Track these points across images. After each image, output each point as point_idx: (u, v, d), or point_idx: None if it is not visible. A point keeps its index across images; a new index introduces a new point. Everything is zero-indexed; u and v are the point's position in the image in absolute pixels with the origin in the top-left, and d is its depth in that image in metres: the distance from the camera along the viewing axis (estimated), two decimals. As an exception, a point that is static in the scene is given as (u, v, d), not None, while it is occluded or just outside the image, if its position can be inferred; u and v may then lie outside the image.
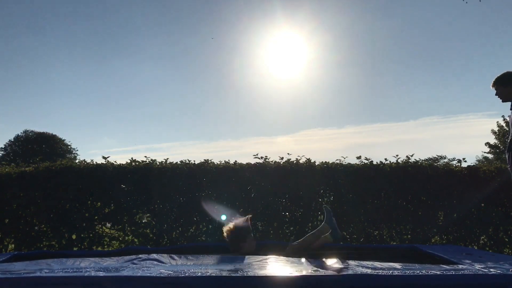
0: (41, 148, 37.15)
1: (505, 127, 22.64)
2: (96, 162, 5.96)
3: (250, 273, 2.80)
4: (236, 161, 6.09)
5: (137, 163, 5.91)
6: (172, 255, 3.61)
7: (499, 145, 22.84)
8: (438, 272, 2.85)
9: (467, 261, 3.36)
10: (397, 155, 6.14)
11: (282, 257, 3.53)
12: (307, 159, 6.07)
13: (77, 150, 41.52)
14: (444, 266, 3.17)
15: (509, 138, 4.16)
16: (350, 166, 6.07)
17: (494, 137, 23.08)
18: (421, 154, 6.33)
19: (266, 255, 3.57)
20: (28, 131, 39.66)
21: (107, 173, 5.77)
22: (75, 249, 5.67)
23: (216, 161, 6.10)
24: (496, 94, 3.99)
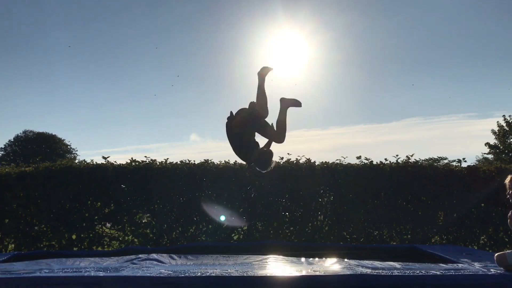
0: (40, 148, 37.09)
1: (505, 127, 22.61)
2: (96, 162, 5.96)
3: (250, 273, 2.80)
4: (236, 161, 6.09)
5: (137, 163, 5.91)
6: (172, 255, 3.62)
7: (499, 145, 22.79)
8: (438, 272, 2.85)
9: (467, 261, 3.37)
10: (397, 155, 6.14)
11: (282, 257, 3.53)
12: (307, 159, 6.07)
13: (77, 150, 41.50)
14: (444, 266, 3.18)
15: None
16: (350, 166, 6.06)
17: (494, 137, 23.03)
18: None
19: (266, 255, 3.58)
20: (27, 131, 39.62)
21: (107, 173, 5.76)
22: (75, 249, 5.67)
23: (216, 161, 6.10)
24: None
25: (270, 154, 3.57)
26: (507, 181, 3.11)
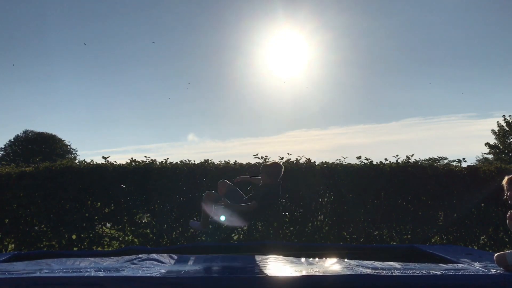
0: (41, 148, 37.09)
1: (505, 127, 22.64)
2: (96, 162, 5.95)
3: (250, 273, 2.80)
4: (236, 161, 6.10)
5: (137, 163, 5.90)
6: (172, 255, 3.62)
7: (499, 145, 22.82)
8: (438, 272, 2.85)
9: (467, 261, 3.37)
10: (397, 155, 6.14)
11: (282, 257, 3.53)
12: (307, 159, 6.07)
13: (77, 151, 41.52)
14: (444, 266, 3.18)
15: None
16: (350, 166, 6.06)
17: (494, 137, 23.06)
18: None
19: (266, 255, 3.58)
20: (28, 131, 39.63)
21: (107, 173, 5.76)
22: (75, 249, 5.67)
23: (216, 161, 6.10)
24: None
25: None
26: (504, 182, 3.12)
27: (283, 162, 6.02)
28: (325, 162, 6.12)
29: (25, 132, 39.78)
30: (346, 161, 6.12)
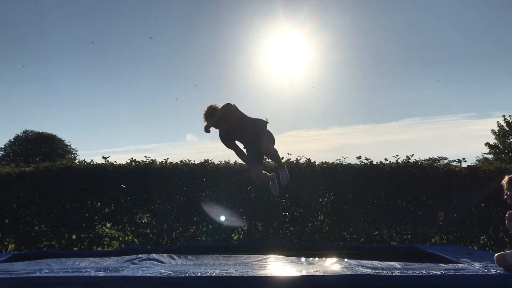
0: (40, 148, 37.04)
1: (505, 127, 22.63)
2: (96, 162, 5.96)
3: (250, 273, 2.80)
4: (236, 161, 6.09)
5: (137, 163, 5.90)
6: (172, 255, 3.62)
7: (499, 145, 22.81)
8: (438, 272, 2.85)
9: (467, 261, 3.37)
10: (397, 155, 6.14)
11: (282, 257, 3.54)
12: (307, 159, 6.07)
13: (77, 150, 41.49)
14: (444, 266, 3.18)
15: None
16: (350, 166, 6.06)
17: (494, 137, 23.04)
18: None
19: (266, 255, 3.59)
20: (28, 131, 39.57)
21: (107, 173, 5.76)
22: (75, 249, 5.67)
23: (216, 161, 6.10)
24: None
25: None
26: (504, 182, 3.13)
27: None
28: (325, 162, 6.12)
29: (25, 132, 39.74)
30: (346, 161, 6.13)
